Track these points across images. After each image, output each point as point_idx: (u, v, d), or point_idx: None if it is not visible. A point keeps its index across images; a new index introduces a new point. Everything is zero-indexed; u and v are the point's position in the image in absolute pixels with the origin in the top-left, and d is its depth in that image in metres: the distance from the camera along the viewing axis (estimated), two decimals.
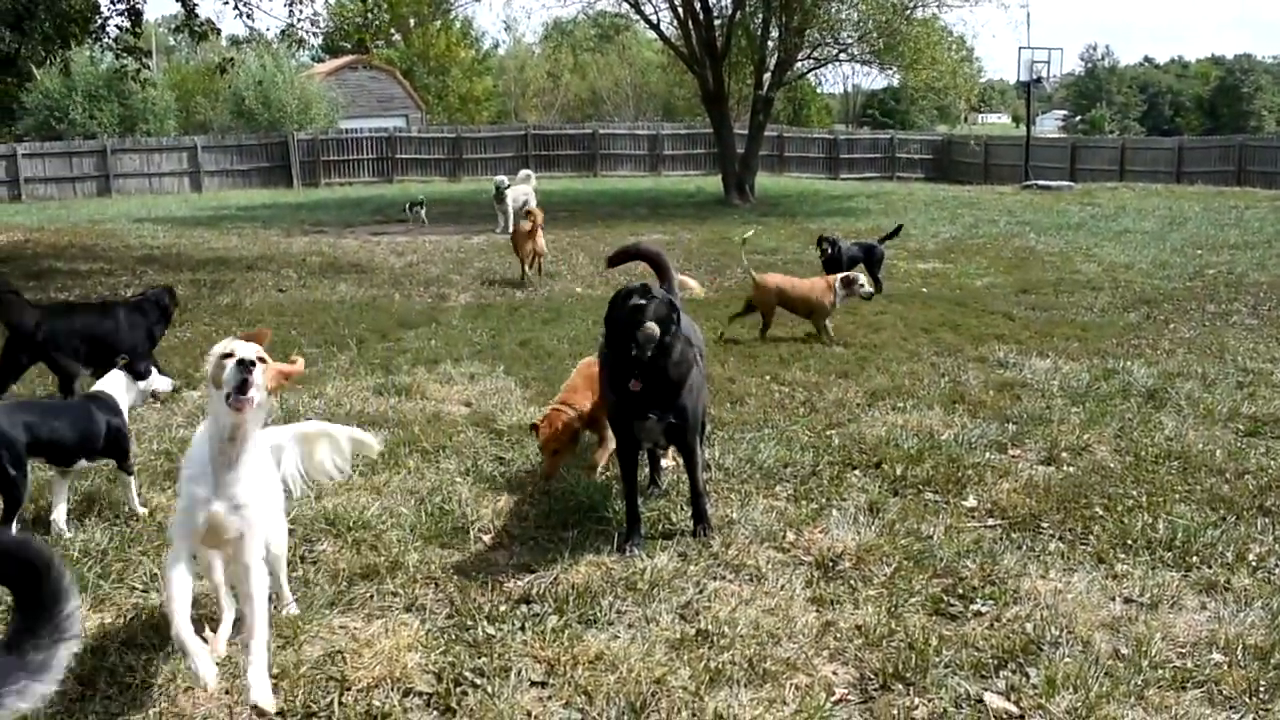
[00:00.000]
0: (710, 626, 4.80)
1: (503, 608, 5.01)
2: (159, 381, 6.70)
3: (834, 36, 32.43)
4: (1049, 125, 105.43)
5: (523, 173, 25.10)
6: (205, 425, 4.28)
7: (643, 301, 5.58)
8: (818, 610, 5.02)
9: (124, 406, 6.30)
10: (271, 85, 51.76)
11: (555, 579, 5.30)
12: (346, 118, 54.63)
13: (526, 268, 15.91)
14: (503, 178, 23.60)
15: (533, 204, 22.61)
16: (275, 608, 4.72)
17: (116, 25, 21.26)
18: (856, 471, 7.05)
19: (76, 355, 9.23)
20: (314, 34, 24.10)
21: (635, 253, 7.92)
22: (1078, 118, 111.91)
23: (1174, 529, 5.89)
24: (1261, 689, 4.29)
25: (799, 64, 33.70)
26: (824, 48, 32.96)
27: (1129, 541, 5.78)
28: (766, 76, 32.43)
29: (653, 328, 5.52)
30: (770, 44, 32.73)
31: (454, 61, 72.70)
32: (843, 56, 33.41)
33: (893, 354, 10.68)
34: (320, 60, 64.05)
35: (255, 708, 3.98)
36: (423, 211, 26.01)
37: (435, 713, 4.17)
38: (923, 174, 48.83)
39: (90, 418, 6.07)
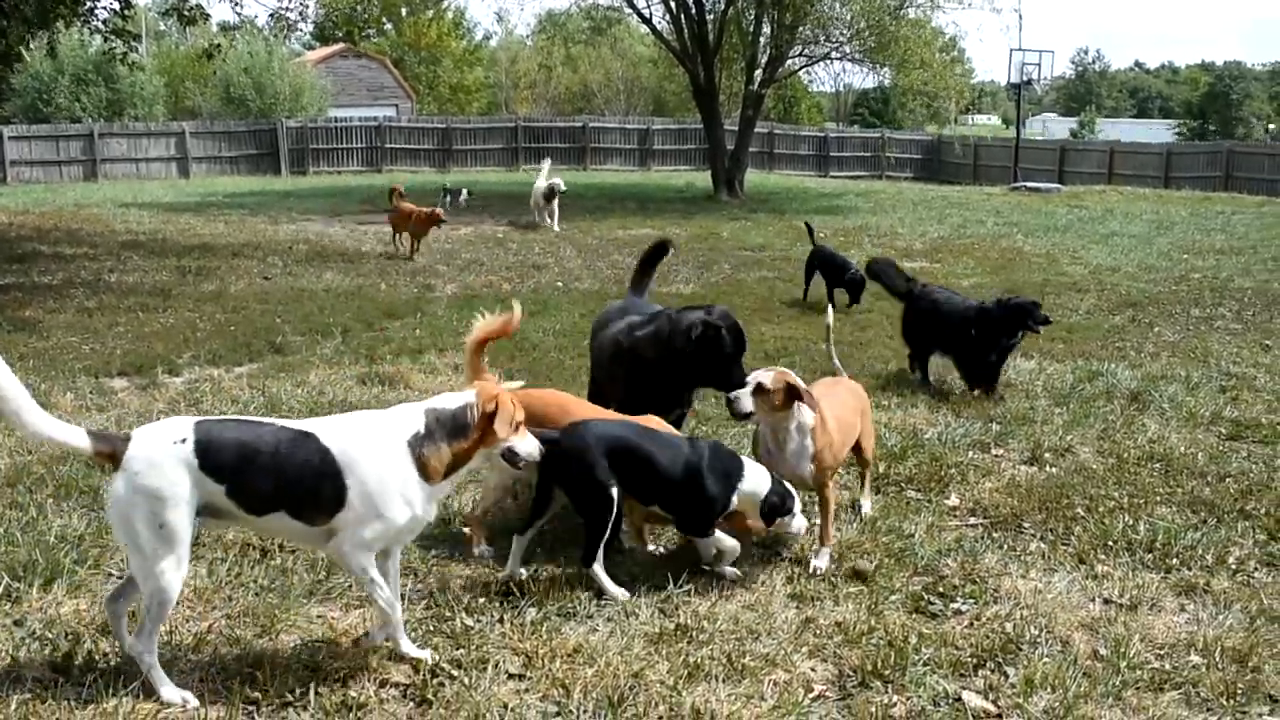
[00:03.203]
0: (690, 621, 4.78)
1: (481, 600, 4.99)
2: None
3: (826, 34, 32.39)
4: (1039, 128, 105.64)
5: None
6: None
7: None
8: (798, 607, 5.01)
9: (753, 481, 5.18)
10: (264, 72, 51.51)
11: (535, 572, 5.28)
12: (336, 106, 54.37)
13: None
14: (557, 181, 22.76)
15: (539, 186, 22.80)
16: None
17: (105, 7, 21.16)
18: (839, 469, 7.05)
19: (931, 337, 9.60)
20: (302, 21, 24.03)
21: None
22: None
23: (1155, 531, 5.90)
24: (1239, 692, 4.30)
25: (790, 61, 33.64)
26: (816, 45, 32.93)
27: (1110, 542, 5.80)
28: (758, 73, 32.40)
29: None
30: (762, 40, 32.67)
31: (445, 52, 72.50)
32: (834, 55, 33.39)
33: (878, 352, 10.69)
34: (311, 48, 63.77)
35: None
36: (462, 198, 26.75)
37: (412, 704, 4.15)
38: (912, 174, 48.88)
39: (682, 464, 5.15)
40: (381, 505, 4.10)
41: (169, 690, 4.06)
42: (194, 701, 4.04)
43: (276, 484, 4.06)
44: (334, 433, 4.16)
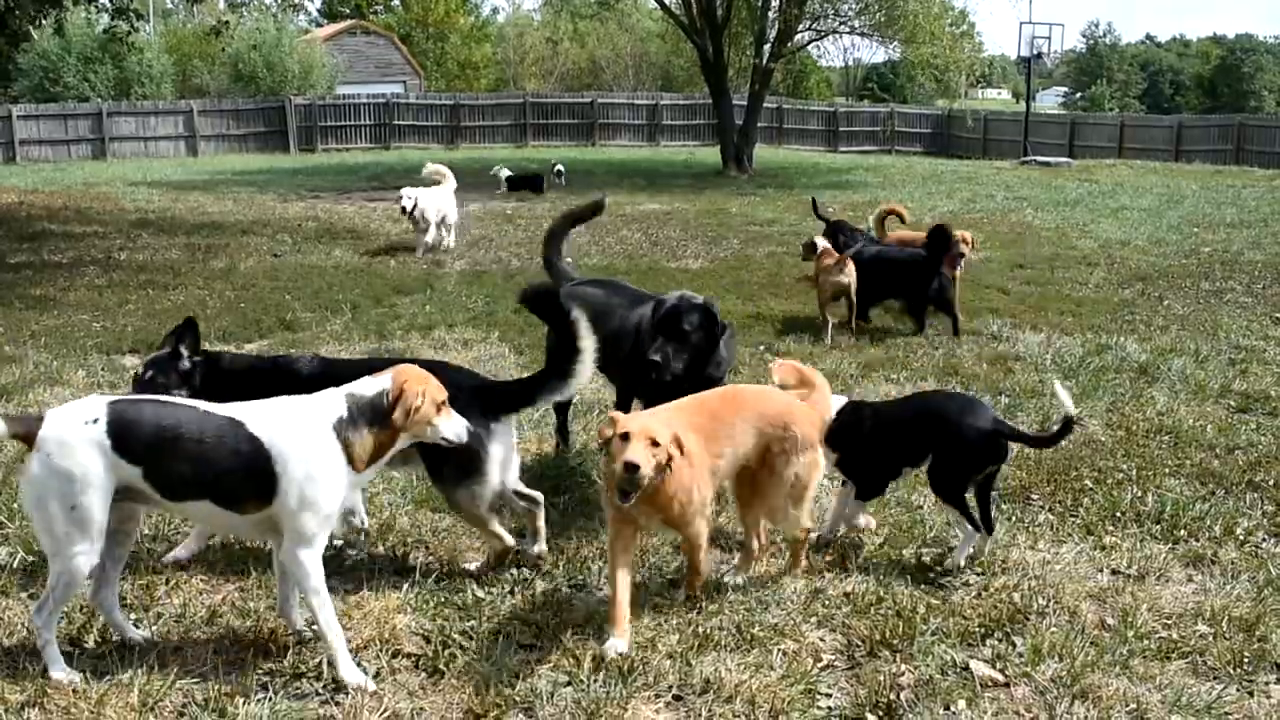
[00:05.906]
0: (699, 592, 4.81)
1: (492, 571, 5.02)
2: None
3: (834, 9, 32.28)
4: (1049, 101, 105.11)
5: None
6: None
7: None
8: (806, 578, 5.03)
9: None
10: (274, 49, 51.42)
11: (545, 543, 5.31)
12: (344, 83, 54.34)
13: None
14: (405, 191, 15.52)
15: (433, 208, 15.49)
16: None
17: None
18: None
19: None
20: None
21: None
22: (1078, 94, 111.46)
23: (1163, 502, 5.91)
24: (1246, 660, 4.32)
25: (799, 35, 33.51)
26: (824, 19, 32.80)
27: (1118, 514, 5.81)
28: (766, 47, 32.31)
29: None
30: (770, 14, 32.57)
31: (453, 28, 72.31)
32: (843, 29, 33.23)
33: (887, 326, 10.68)
34: (319, 24, 63.66)
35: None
36: (561, 179, 27.10)
37: (424, 674, 4.18)
38: (921, 148, 48.72)
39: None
40: (313, 494, 3.97)
41: (59, 671, 4.02)
42: (78, 681, 4.00)
43: (199, 470, 3.96)
44: (261, 419, 4.02)
